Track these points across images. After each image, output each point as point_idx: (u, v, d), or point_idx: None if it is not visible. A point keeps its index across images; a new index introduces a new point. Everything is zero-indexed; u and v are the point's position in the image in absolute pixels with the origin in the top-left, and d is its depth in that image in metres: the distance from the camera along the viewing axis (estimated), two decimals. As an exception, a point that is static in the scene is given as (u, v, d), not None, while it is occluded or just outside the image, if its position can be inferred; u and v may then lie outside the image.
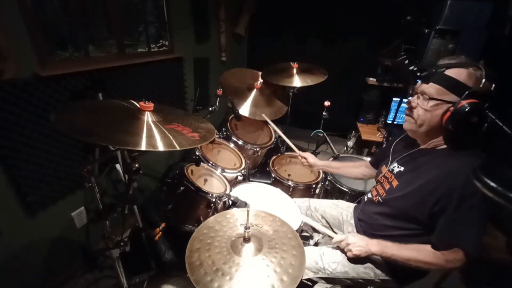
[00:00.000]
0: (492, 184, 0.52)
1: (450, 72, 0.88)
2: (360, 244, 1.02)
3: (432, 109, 0.91)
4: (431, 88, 0.91)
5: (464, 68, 0.87)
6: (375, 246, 1.00)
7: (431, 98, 0.90)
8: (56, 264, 1.56)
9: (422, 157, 1.03)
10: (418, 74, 0.97)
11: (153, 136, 0.90)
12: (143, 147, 0.84)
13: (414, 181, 0.99)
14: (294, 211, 1.42)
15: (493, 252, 1.44)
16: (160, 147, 0.87)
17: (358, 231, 1.23)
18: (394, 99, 2.64)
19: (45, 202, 1.42)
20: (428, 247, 0.94)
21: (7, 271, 1.33)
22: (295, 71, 2.21)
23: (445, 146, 0.98)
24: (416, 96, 0.97)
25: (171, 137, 0.93)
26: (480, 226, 0.87)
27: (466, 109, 0.82)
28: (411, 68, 1.22)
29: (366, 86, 2.97)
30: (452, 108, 0.86)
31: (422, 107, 0.93)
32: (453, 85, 0.87)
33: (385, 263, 1.08)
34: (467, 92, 0.83)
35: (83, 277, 1.64)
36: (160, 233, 1.55)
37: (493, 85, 0.84)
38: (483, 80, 0.83)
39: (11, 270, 1.35)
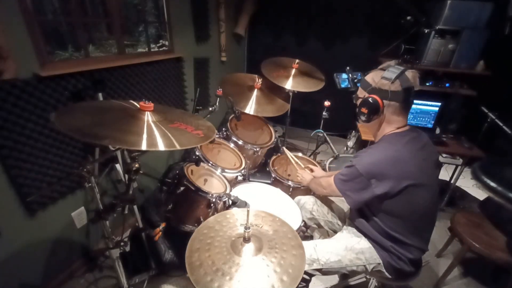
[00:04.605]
0: (492, 184, 0.52)
1: (366, 76, 1.14)
2: (304, 177, 1.50)
3: None
4: (359, 90, 1.16)
5: (373, 71, 1.11)
6: (308, 180, 1.44)
7: (359, 98, 1.14)
8: (56, 264, 1.56)
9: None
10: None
11: (153, 135, 0.90)
12: (144, 146, 0.84)
13: None
14: (294, 211, 1.43)
15: (493, 252, 1.44)
16: (161, 146, 0.87)
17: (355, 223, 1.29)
18: (394, 99, 2.64)
19: (45, 202, 1.42)
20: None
21: (7, 271, 1.33)
22: (293, 72, 2.21)
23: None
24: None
25: (171, 136, 0.93)
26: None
27: (359, 100, 1.11)
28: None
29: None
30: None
31: None
32: (364, 85, 1.13)
33: (374, 248, 1.16)
34: (368, 88, 1.09)
35: (83, 277, 1.64)
36: (160, 233, 1.55)
37: (391, 82, 1.01)
38: (379, 79, 1.05)
39: (11, 270, 1.34)
